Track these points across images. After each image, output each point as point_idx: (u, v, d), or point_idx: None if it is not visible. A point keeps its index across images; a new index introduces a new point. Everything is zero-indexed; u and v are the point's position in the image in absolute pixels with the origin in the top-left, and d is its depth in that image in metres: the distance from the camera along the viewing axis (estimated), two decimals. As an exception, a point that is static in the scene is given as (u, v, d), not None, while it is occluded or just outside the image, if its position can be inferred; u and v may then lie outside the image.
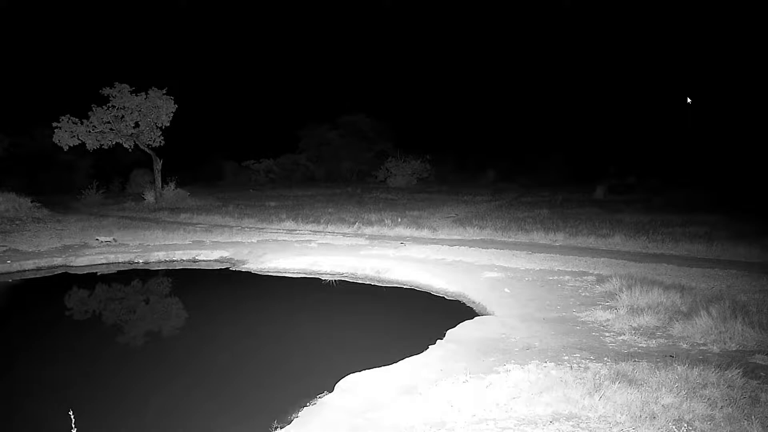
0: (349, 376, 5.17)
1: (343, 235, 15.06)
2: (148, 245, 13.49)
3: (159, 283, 11.57)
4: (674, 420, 3.95)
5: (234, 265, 11.92)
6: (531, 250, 12.34)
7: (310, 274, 11.09)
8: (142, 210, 22.66)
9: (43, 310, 9.52)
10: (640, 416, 4.01)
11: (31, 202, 20.28)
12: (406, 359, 5.59)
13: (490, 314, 7.61)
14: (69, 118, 23.40)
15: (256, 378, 6.18)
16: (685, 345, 5.92)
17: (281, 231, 16.19)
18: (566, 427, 3.90)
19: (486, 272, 10.03)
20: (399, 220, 17.14)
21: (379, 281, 10.37)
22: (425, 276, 10.00)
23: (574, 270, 10.05)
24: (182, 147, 37.31)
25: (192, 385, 5.96)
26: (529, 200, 24.61)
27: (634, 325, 6.63)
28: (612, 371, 4.89)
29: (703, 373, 4.72)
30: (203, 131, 48.98)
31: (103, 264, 12.09)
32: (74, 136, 23.35)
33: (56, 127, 23.22)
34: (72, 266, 11.81)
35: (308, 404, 4.90)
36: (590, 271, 9.85)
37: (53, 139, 23.46)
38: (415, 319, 8.49)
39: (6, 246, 13.13)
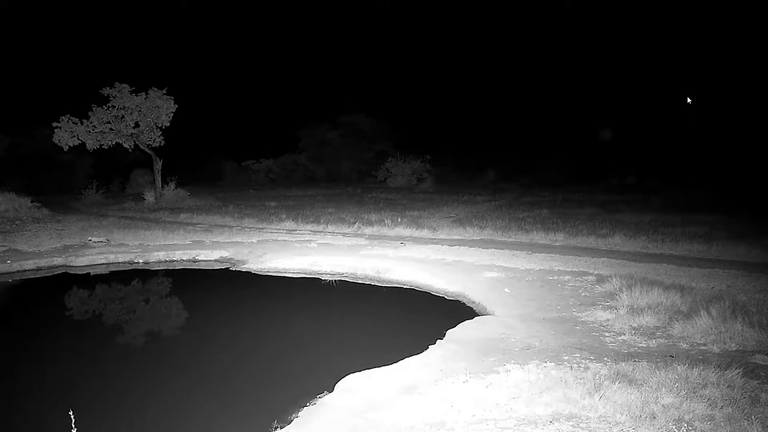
0: (349, 376, 5.17)
1: (343, 235, 15.06)
2: (148, 245, 13.49)
3: (159, 283, 11.57)
4: (674, 420, 3.95)
5: (234, 265, 11.92)
6: (531, 250, 12.34)
7: (310, 274, 11.09)
8: (142, 210, 22.66)
9: (43, 310, 9.52)
10: (640, 416, 4.01)
11: (31, 202, 20.27)
12: (406, 359, 5.59)
13: (490, 314, 7.61)
14: (69, 118, 23.40)
15: (256, 378, 6.18)
16: (685, 345, 5.92)
17: (281, 231, 16.19)
18: (566, 427, 3.90)
19: (486, 272, 10.03)
20: (399, 220, 17.14)
21: (379, 281, 10.37)
22: (425, 276, 10.00)
23: (574, 270, 10.05)
24: (182, 147, 37.33)
25: (192, 385, 5.96)
26: (529, 200, 24.61)
27: (634, 325, 6.63)
28: (612, 371, 4.89)
29: (703, 373, 4.72)
30: (203, 131, 49.00)
31: (103, 264, 12.09)
32: (74, 136, 23.35)
33: (56, 127, 23.22)
34: (72, 266, 11.81)
35: (308, 404, 4.90)
36: (590, 271, 9.85)
37: (53, 139, 23.46)
38: (415, 319, 8.49)
39: (6, 246, 13.14)
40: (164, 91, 24.70)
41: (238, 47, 62.34)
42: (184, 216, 19.78)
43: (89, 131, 23.65)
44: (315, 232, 15.95)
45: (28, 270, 11.40)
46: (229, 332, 8.03)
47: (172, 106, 24.77)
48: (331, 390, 5.01)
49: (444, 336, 6.42)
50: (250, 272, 11.36)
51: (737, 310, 6.55)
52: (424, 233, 15.12)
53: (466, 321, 7.09)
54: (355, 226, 16.33)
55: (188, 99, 29.11)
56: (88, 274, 11.59)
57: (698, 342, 5.97)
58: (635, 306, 7.18)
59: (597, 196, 25.21)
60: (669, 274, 9.36)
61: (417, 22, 62.94)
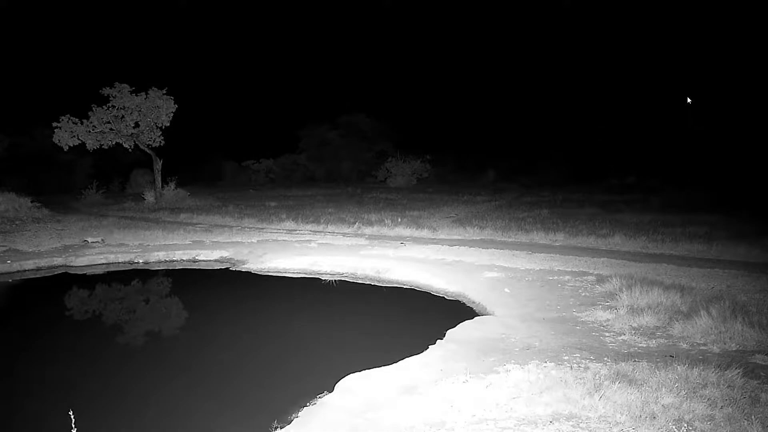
0: (349, 376, 5.17)
1: (343, 235, 15.06)
2: (148, 245, 13.49)
3: (159, 283, 11.57)
4: (674, 420, 3.95)
5: (234, 265, 11.92)
6: (531, 250, 12.34)
7: (310, 274, 11.09)
8: (142, 210, 22.67)
9: (43, 310, 9.52)
10: (640, 416, 4.01)
11: (31, 202, 20.28)
12: (406, 359, 5.59)
13: (490, 314, 7.61)
14: (69, 118, 23.41)
15: (256, 378, 6.18)
16: (685, 345, 5.92)
17: (281, 231, 16.20)
18: (566, 427, 3.90)
19: (486, 272, 10.03)
20: (399, 220, 17.14)
21: (379, 281, 10.37)
22: (425, 276, 10.00)
23: (574, 270, 10.05)
24: (182, 147, 37.34)
25: (192, 385, 5.96)
26: (529, 200, 24.61)
27: (634, 325, 6.63)
28: (612, 371, 4.89)
29: (703, 373, 4.72)
30: (203, 131, 49.01)
31: (103, 264, 12.09)
32: (74, 136, 23.36)
33: (56, 127, 23.22)
34: (72, 266, 11.81)
35: (308, 404, 4.90)
36: (590, 271, 9.85)
37: (53, 139, 23.46)
38: (415, 319, 8.49)
39: (6, 246, 13.14)
40: (164, 91, 24.70)
41: (238, 47, 62.37)
42: (184, 216, 19.78)
43: (89, 131, 23.65)
44: (315, 232, 15.95)
45: (28, 270, 11.41)
46: (229, 332, 8.03)
47: (172, 106, 24.77)
48: (331, 390, 5.01)
49: (444, 336, 6.42)
50: (250, 272, 11.36)
51: (737, 310, 6.54)
52: (424, 233, 15.12)
53: (466, 321, 7.09)
54: (355, 226, 16.33)
55: (188, 99, 29.12)
56: (88, 274, 11.58)
57: (698, 342, 5.97)
58: (635, 306, 7.18)
59: (597, 196, 25.20)
60: (669, 274, 9.35)
61: (417, 22, 62.97)
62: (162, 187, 25.51)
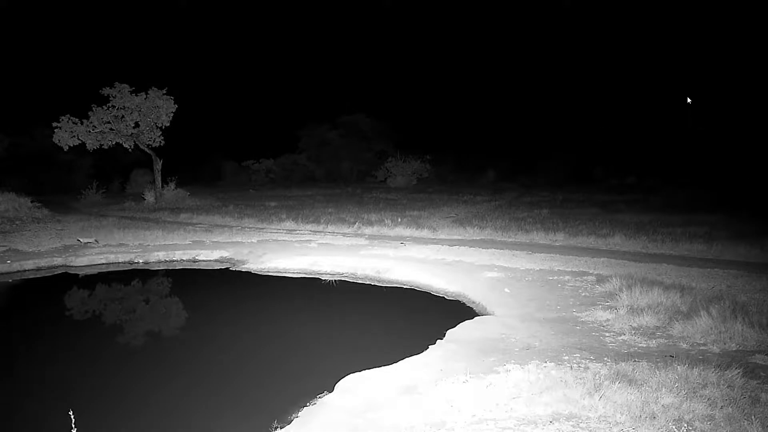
0: (349, 376, 5.17)
1: (343, 235, 15.06)
2: (148, 245, 13.49)
3: (159, 283, 11.57)
4: (674, 420, 3.95)
5: (234, 265, 11.92)
6: (531, 250, 12.34)
7: (310, 274, 11.08)
8: (142, 210, 22.67)
9: (43, 310, 9.52)
10: (640, 416, 4.01)
11: (31, 202, 20.27)
12: (406, 359, 5.59)
13: (490, 314, 7.61)
14: (69, 118, 23.41)
15: (256, 378, 6.18)
16: (685, 345, 5.92)
17: (281, 231, 16.19)
18: (566, 427, 3.90)
19: (486, 272, 10.02)
20: (399, 220, 17.14)
21: (379, 281, 10.37)
22: (425, 276, 10.00)
23: (574, 270, 10.05)
24: (182, 147, 37.36)
25: (192, 385, 5.96)
26: (529, 200, 24.61)
27: (634, 325, 6.63)
28: (612, 371, 4.89)
29: (703, 373, 4.71)
30: (203, 131, 49.04)
31: (103, 264, 12.09)
32: (74, 136, 23.36)
33: (56, 127, 23.22)
34: (72, 266, 11.81)
35: (308, 404, 4.90)
36: (590, 271, 9.85)
37: (53, 139, 23.46)
38: (415, 319, 8.49)
39: (6, 246, 13.13)
40: (164, 91, 24.71)
41: (238, 47, 62.37)
42: (184, 216, 19.78)
43: (89, 131, 23.65)
44: (315, 232, 15.95)
45: (28, 270, 11.40)
46: (229, 332, 8.03)
47: (172, 106, 24.77)
48: (331, 390, 5.01)
49: (444, 336, 6.42)
50: (250, 272, 11.36)
51: (737, 310, 6.54)
52: (424, 233, 15.12)
53: (466, 321, 7.09)
54: (355, 226, 16.34)
55: (188, 99, 29.14)
56: (88, 274, 11.58)
57: (698, 342, 5.97)
58: (635, 306, 7.18)
59: (597, 196, 25.21)
60: (669, 274, 9.35)
61: (417, 22, 62.97)
62: (162, 187, 25.51)
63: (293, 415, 4.67)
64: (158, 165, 25.36)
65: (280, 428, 4.36)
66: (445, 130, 47.93)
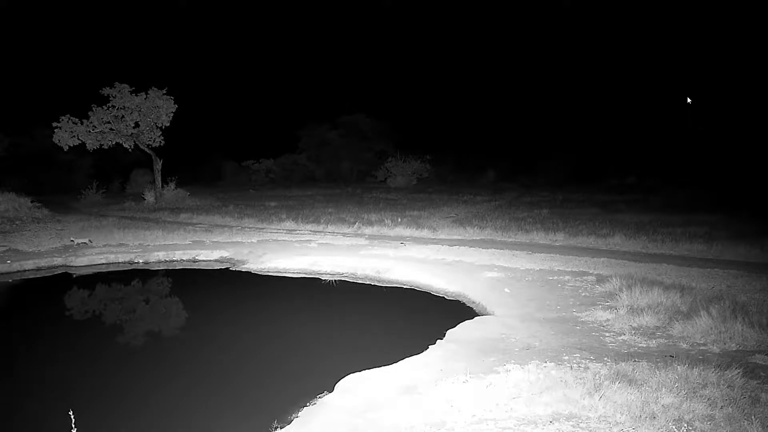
0: (349, 376, 5.17)
1: (343, 235, 15.06)
2: (148, 245, 13.49)
3: (159, 283, 11.57)
4: (674, 420, 3.95)
5: (234, 265, 11.92)
6: (531, 250, 12.34)
7: (310, 274, 11.08)
8: (142, 210, 22.67)
9: (43, 310, 9.52)
10: (640, 416, 4.01)
11: (31, 202, 20.27)
12: (406, 359, 5.59)
13: (490, 314, 7.61)
14: (69, 118, 23.41)
15: (256, 378, 6.18)
16: (685, 345, 5.92)
17: (281, 231, 16.19)
18: (566, 427, 3.90)
19: (486, 272, 10.02)
20: (399, 220, 17.14)
21: (379, 281, 10.37)
22: (425, 276, 10.00)
23: (574, 270, 10.05)
24: (182, 147, 37.38)
25: (192, 385, 5.96)
26: (529, 200, 24.61)
27: (634, 325, 6.63)
28: (612, 371, 4.89)
29: (703, 373, 4.71)
30: (203, 131, 49.05)
31: (103, 264, 12.09)
32: (74, 136, 23.37)
33: (56, 127, 23.23)
34: (72, 266, 11.81)
35: (308, 404, 4.90)
36: (590, 271, 9.85)
37: (53, 139, 23.47)
38: (415, 319, 8.49)
39: (6, 246, 13.13)
40: (164, 91, 24.71)
41: (237, 47, 62.38)
42: (184, 216, 19.78)
43: (89, 131, 23.66)
44: (315, 232, 15.95)
45: (28, 270, 11.40)
46: (229, 332, 8.03)
47: (172, 106, 24.77)
48: (331, 390, 5.01)
49: (444, 336, 6.42)
50: (250, 272, 11.36)
51: (737, 310, 6.54)
52: (424, 233, 15.12)
53: (466, 321, 7.09)
54: (355, 226, 16.34)
55: (188, 99, 29.15)
56: (88, 274, 11.58)
57: (698, 342, 5.97)
58: (635, 306, 7.18)
59: (597, 196, 25.21)
60: (669, 274, 9.35)
61: (417, 22, 62.97)
62: (162, 187, 25.51)
63: (293, 415, 4.67)
64: (158, 165, 25.36)
65: (280, 428, 4.36)
66: (445, 130, 47.95)
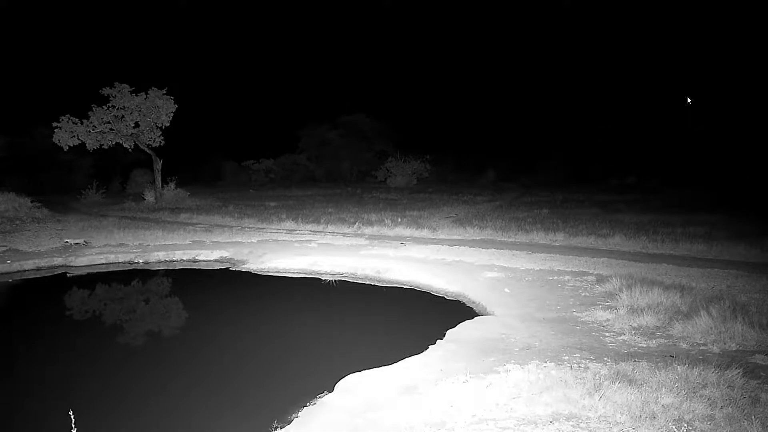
0: (349, 376, 5.17)
1: (343, 235, 15.06)
2: (148, 245, 13.49)
3: (159, 283, 11.57)
4: (674, 420, 3.95)
5: (234, 265, 11.92)
6: (531, 250, 12.34)
7: (310, 274, 11.08)
8: (142, 210, 22.66)
9: (44, 310, 9.52)
10: (640, 416, 4.01)
11: (31, 202, 20.27)
12: (406, 359, 5.59)
13: (490, 314, 7.61)
14: (69, 118, 23.40)
15: (256, 378, 6.18)
16: (685, 345, 5.92)
17: (281, 231, 16.19)
18: (566, 427, 3.90)
19: (486, 272, 10.02)
20: (399, 220, 17.14)
21: (379, 281, 10.37)
22: (425, 276, 10.00)
23: (574, 270, 10.05)
24: (182, 147, 37.37)
25: (192, 385, 5.96)
26: (529, 200, 24.61)
27: (634, 325, 6.63)
28: (612, 371, 4.89)
29: (703, 373, 4.71)
30: (203, 131, 49.05)
31: (103, 264, 12.08)
32: (74, 136, 23.35)
33: (56, 127, 23.21)
34: (72, 266, 11.81)
35: (308, 404, 4.90)
36: (590, 271, 9.85)
37: (53, 139, 23.45)
38: (415, 319, 8.49)
39: (6, 246, 13.13)
40: (164, 91, 24.70)
41: (238, 47, 62.38)
42: (184, 216, 19.78)
43: (89, 131, 23.64)
44: (315, 232, 15.95)
45: (28, 270, 11.40)
46: (229, 332, 8.03)
47: (172, 106, 24.76)
48: (331, 390, 5.01)
49: (444, 336, 6.42)
50: (250, 272, 11.36)
51: (737, 310, 6.54)
52: (424, 233, 15.12)
53: (466, 321, 7.09)
54: (355, 226, 16.34)
55: (188, 99, 29.15)
56: (88, 274, 11.58)
57: (698, 342, 5.97)
58: (635, 306, 7.18)
59: (597, 196, 25.22)
60: (669, 274, 9.35)
61: (417, 22, 62.97)
62: (162, 187, 25.50)
63: (293, 415, 4.67)
64: (158, 165, 25.36)
65: (280, 428, 4.36)
66: (445, 130, 47.96)
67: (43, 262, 11.76)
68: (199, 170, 44.72)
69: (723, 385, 4.52)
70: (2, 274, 11.03)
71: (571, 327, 6.69)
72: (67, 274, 11.42)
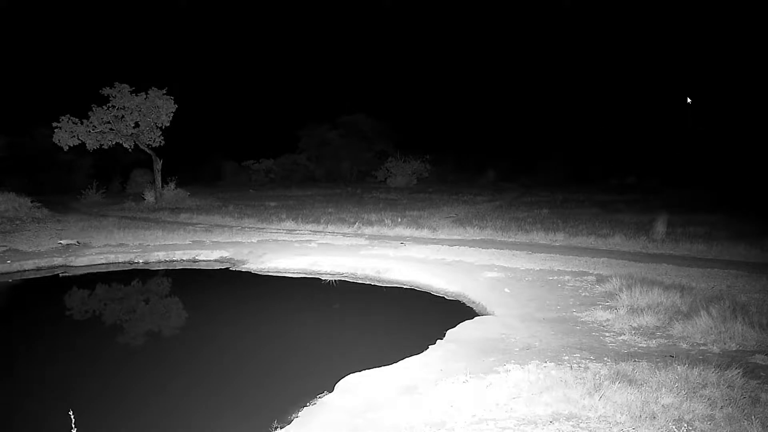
0: (349, 376, 5.17)
1: (343, 235, 15.06)
2: (148, 245, 13.49)
3: (159, 283, 11.56)
4: (674, 420, 3.95)
5: (234, 265, 11.92)
6: (531, 250, 12.34)
7: (310, 274, 11.08)
8: (142, 210, 22.66)
9: (44, 310, 9.52)
10: (640, 416, 4.01)
11: (31, 202, 20.27)
12: (406, 359, 5.59)
13: (490, 314, 7.61)
14: (69, 118, 23.40)
15: (256, 378, 6.18)
16: (685, 345, 5.92)
17: (281, 231, 16.19)
18: (566, 427, 3.90)
19: (486, 272, 10.02)
20: (399, 220, 17.14)
21: (379, 281, 10.37)
22: (425, 276, 10.00)
23: (574, 270, 10.05)
24: (182, 147, 37.38)
25: (192, 385, 5.96)
26: (529, 200, 24.61)
27: (634, 325, 6.63)
28: (612, 371, 4.89)
29: (703, 373, 4.71)
30: (203, 131, 49.05)
31: (103, 264, 12.08)
32: (74, 136, 23.35)
33: (56, 127, 23.21)
34: (72, 266, 11.80)
35: (308, 404, 4.90)
36: (590, 271, 9.85)
37: (53, 139, 23.45)
38: (415, 319, 8.49)
39: (6, 246, 13.13)
40: (164, 91, 24.69)
41: (237, 47, 62.38)
42: (184, 216, 19.78)
43: (89, 131, 23.64)
44: (315, 232, 15.95)
45: (28, 270, 11.40)
46: (229, 332, 8.03)
47: (172, 106, 24.76)
48: (331, 390, 5.01)
49: (444, 336, 6.42)
50: (250, 272, 11.36)
51: (737, 310, 6.54)
52: (424, 233, 15.12)
53: (466, 321, 7.09)
54: (355, 226, 16.33)
55: (188, 99, 29.14)
56: (88, 274, 11.58)
57: (698, 342, 5.97)
58: (635, 306, 7.18)
59: (597, 196, 25.22)
60: (669, 274, 9.35)
61: (417, 22, 62.97)
62: (162, 187, 25.50)
63: (293, 415, 4.67)
64: (158, 165, 25.36)
65: (280, 428, 4.36)
66: (445, 130, 47.95)
67: (43, 262, 11.76)
68: (199, 170, 44.72)
69: (723, 385, 4.52)
70: (2, 274, 11.03)
71: (571, 327, 6.69)
72: (64, 274, 11.41)
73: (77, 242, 13.71)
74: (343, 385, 5.01)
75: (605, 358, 5.43)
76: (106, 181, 34.28)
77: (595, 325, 6.77)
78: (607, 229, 14.20)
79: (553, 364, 5.24)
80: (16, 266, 11.35)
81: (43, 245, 13.37)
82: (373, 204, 23.56)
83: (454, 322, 6.99)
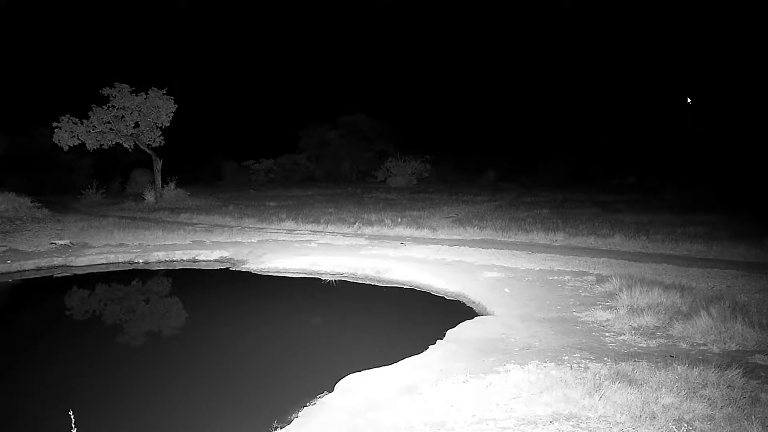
0: (349, 376, 5.17)
1: (343, 235, 15.05)
2: (148, 245, 13.49)
3: (159, 283, 11.57)
4: (674, 420, 3.95)
5: (234, 265, 11.92)
6: (531, 250, 12.34)
7: (310, 274, 11.08)
8: (142, 210, 22.66)
9: (43, 310, 9.51)
10: (640, 416, 4.01)
11: (31, 202, 20.28)
12: (406, 359, 5.59)
13: (490, 314, 7.61)
14: (69, 118, 23.41)
15: (256, 378, 6.18)
16: (685, 345, 5.92)
17: (281, 231, 16.19)
18: (566, 427, 3.90)
19: (486, 272, 10.02)
20: (399, 220, 17.14)
21: (379, 281, 10.37)
22: (425, 276, 10.00)
23: (574, 270, 10.05)
24: (182, 147, 37.39)
25: (192, 385, 5.96)
26: (529, 200, 24.60)
27: (634, 325, 6.63)
28: (612, 371, 4.89)
29: (703, 373, 4.71)
30: (203, 131, 49.07)
31: (103, 264, 12.08)
32: (74, 136, 23.37)
33: (56, 127, 23.23)
34: (72, 266, 11.81)
35: (308, 404, 4.90)
36: (590, 271, 9.85)
37: (53, 139, 23.46)
38: (415, 319, 8.49)
39: (6, 246, 13.13)
40: (164, 91, 24.71)
41: (238, 47, 62.38)
42: (184, 216, 19.78)
43: (89, 131, 23.66)
44: (315, 232, 15.95)
45: (28, 270, 11.40)
46: (229, 332, 8.03)
47: (172, 106, 24.77)
48: (331, 390, 5.01)
49: (444, 336, 6.42)
50: (250, 272, 11.36)
51: (737, 310, 6.54)
52: (424, 233, 15.12)
53: (466, 321, 7.09)
54: (355, 226, 16.33)
55: (188, 99, 29.16)
56: (88, 273, 11.58)
57: (698, 342, 5.97)
58: (635, 306, 7.18)
59: (597, 196, 25.21)
60: (669, 274, 9.35)
61: (417, 22, 62.97)
62: (162, 187, 25.51)
63: (293, 415, 4.67)
64: (158, 165, 25.36)
65: (280, 428, 4.36)
66: (445, 130, 47.94)
67: (43, 262, 11.76)
68: (199, 170, 44.74)
69: (723, 385, 4.52)
70: (2, 274, 11.03)
71: (571, 327, 6.69)
72: (63, 275, 11.41)
73: (71, 243, 13.58)
74: (343, 385, 5.01)
75: (605, 358, 5.43)
76: (106, 181, 34.30)
77: (595, 325, 6.77)
78: (607, 229, 14.20)
79: (553, 364, 5.24)
80: (16, 266, 11.35)
81: (43, 245, 13.37)
82: (373, 204, 23.56)
83: (454, 322, 6.98)
